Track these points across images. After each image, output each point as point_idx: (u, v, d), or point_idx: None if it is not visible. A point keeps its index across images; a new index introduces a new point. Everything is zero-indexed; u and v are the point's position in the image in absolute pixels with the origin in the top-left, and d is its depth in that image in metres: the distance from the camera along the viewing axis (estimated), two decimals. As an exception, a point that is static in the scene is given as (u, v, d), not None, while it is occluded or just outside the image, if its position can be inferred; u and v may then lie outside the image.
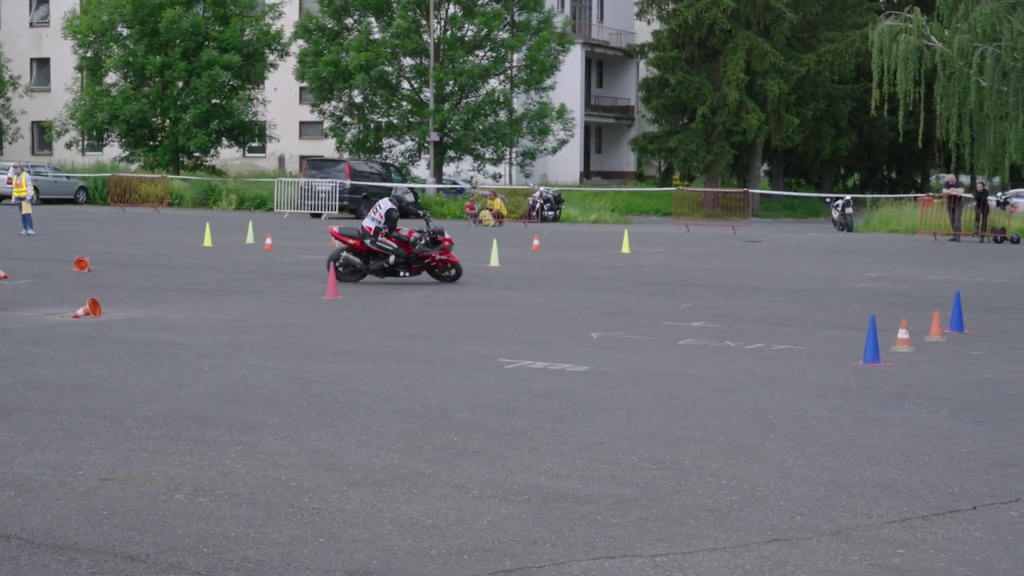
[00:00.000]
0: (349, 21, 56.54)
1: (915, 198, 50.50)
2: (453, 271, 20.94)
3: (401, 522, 6.67)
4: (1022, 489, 7.52)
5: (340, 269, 19.91)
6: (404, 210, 20.83)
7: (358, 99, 56.35)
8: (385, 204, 20.50)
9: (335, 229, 21.21)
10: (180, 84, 59.70)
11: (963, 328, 15.29)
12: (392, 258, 20.25)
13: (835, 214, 47.13)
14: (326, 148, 64.85)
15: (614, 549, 6.25)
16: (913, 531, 6.63)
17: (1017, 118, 47.25)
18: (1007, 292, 21.48)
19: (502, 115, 56.19)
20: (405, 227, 20.76)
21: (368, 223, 20.39)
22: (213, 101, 59.07)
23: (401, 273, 20.49)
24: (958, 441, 8.90)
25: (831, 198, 51.76)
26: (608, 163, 77.92)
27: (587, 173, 73.52)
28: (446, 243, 20.78)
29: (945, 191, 42.24)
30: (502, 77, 57.44)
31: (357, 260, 20.39)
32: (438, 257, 20.70)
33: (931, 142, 61.83)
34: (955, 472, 7.94)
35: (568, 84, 64.71)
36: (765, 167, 73.37)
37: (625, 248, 30.24)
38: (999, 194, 47.91)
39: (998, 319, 16.92)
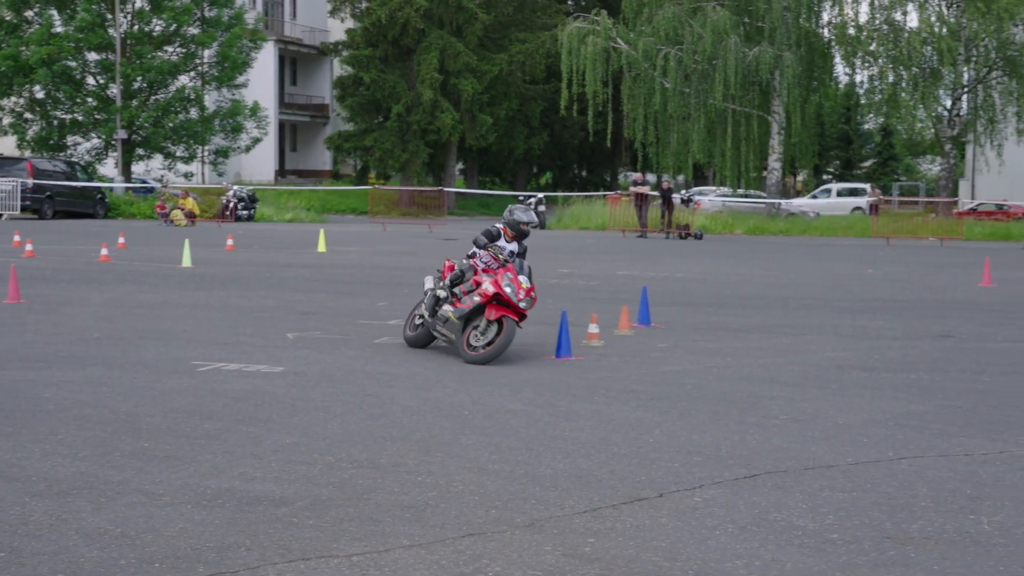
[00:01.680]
0: (29, 14, 54.35)
1: (604, 196, 52.05)
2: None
3: (88, 532, 6.42)
4: (705, 476, 7.82)
5: None
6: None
7: (40, 95, 54.29)
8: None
9: None
10: None
11: (650, 322, 15.83)
12: None
13: (528, 212, 48.00)
14: (6, 146, 62.11)
15: (310, 550, 6.18)
16: (603, 520, 6.80)
17: (699, 118, 49.27)
18: (691, 287, 22.33)
19: (193, 112, 55.10)
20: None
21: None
22: None
23: None
24: (646, 431, 9.18)
25: (524, 196, 52.80)
26: (303, 161, 77.37)
27: (282, 172, 72.84)
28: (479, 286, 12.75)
29: (633, 189, 43.67)
30: (193, 74, 56.31)
31: None
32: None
33: (619, 141, 63.87)
34: (643, 461, 8.19)
35: (261, 82, 64.04)
36: (460, 166, 74.28)
37: (321, 247, 30.06)
38: (683, 192, 49.82)
39: (683, 312, 17.58)
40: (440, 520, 6.75)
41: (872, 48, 51.66)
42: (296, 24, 76.89)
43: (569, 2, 74.79)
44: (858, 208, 56.70)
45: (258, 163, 66.92)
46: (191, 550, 6.16)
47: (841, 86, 55.81)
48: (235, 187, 50.28)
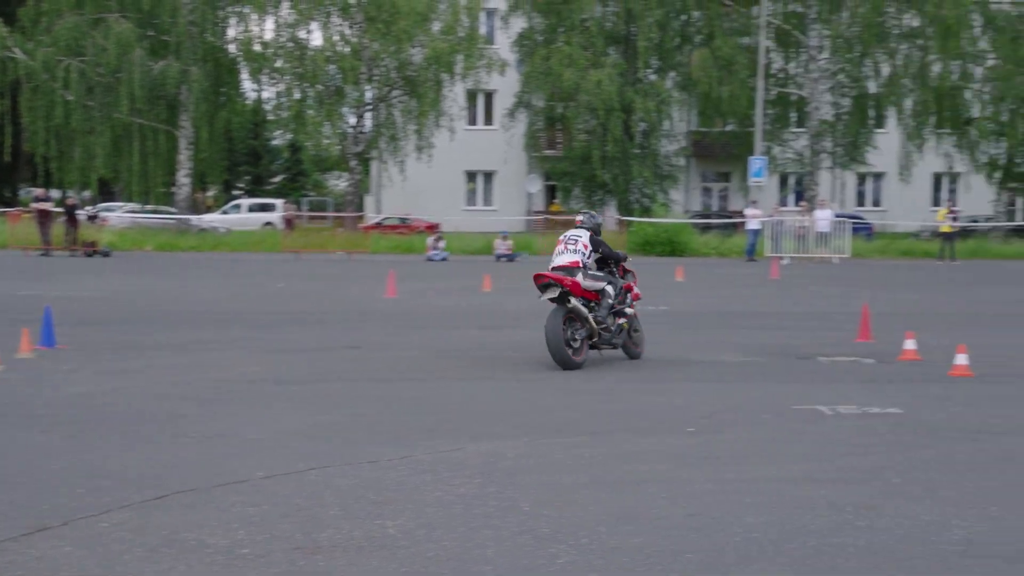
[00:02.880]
0: None
1: (4, 213, 49.60)
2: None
3: None
4: (113, 500, 7.57)
5: None
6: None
7: None
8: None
9: None
10: None
11: (54, 343, 15.20)
12: None
13: (-81, 230, 44.90)
14: None
15: None
16: (3, 554, 6.42)
17: (104, 132, 48.11)
18: (99, 305, 21.70)
19: None
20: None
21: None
22: None
23: None
24: (50, 457, 8.78)
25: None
26: None
27: None
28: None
29: (34, 205, 41.84)
30: None
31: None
32: None
33: (20, 155, 61.06)
34: (46, 489, 7.81)
35: None
36: None
37: None
38: (89, 208, 48.41)
39: (90, 332, 17.03)
40: None
41: (278, 65, 52.51)
42: None
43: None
44: (269, 223, 57.39)
45: None
46: None
47: (249, 102, 56.32)
48: None
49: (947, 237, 43.20)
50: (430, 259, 40.70)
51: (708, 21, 56.06)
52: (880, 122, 59.32)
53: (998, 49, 54.96)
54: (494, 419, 10.63)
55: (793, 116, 58.46)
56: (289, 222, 48.78)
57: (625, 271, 15.08)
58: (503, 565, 6.37)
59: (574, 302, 13.68)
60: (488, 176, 66.37)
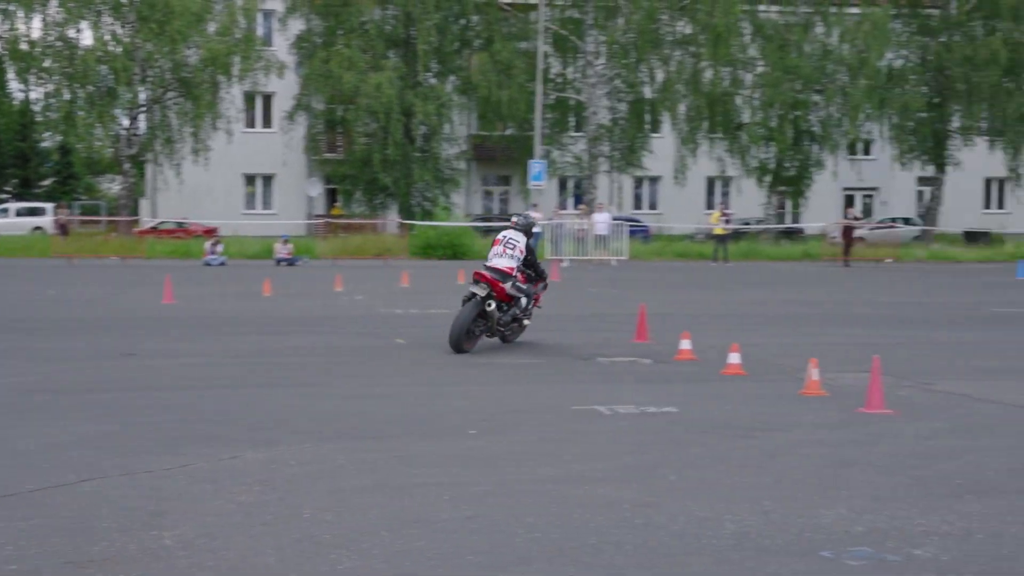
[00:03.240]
0: None
1: None
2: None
3: None
4: None
5: None
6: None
7: None
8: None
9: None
10: None
11: None
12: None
13: None
14: None
15: None
16: None
17: None
18: None
19: None
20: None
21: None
22: None
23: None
24: None
25: None
26: None
27: None
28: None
29: None
30: None
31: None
32: None
33: None
34: None
35: None
36: None
37: None
38: None
39: None
40: None
41: (47, 65, 50.95)
42: None
43: None
44: (38, 228, 55.61)
45: None
46: None
47: (16, 102, 54.53)
48: None
49: (720, 239, 44.46)
50: (208, 264, 39.99)
51: (487, 25, 56.51)
52: (655, 127, 60.73)
53: (767, 56, 56.82)
54: (275, 425, 10.49)
55: (572, 120, 59.39)
56: (63, 227, 47.18)
57: (540, 281, 16.99)
58: (284, 573, 6.29)
59: (493, 307, 15.58)
60: (267, 179, 65.58)
